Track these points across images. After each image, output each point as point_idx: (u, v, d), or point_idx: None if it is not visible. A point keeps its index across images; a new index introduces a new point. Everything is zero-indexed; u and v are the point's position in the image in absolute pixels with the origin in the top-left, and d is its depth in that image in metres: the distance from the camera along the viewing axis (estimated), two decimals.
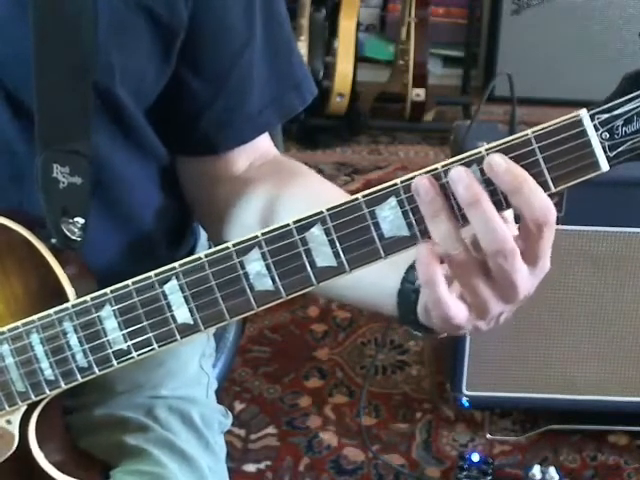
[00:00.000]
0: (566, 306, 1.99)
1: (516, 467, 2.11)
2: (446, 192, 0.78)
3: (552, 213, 0.77)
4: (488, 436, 2.18)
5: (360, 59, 3.70)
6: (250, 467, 2.10)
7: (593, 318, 2.00)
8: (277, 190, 1.05)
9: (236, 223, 1.08)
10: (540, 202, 0.77)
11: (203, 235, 1.25)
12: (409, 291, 0.88)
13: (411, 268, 0.89)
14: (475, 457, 2.02)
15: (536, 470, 1.99)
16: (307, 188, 1.05)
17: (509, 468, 2.11)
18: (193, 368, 1.21)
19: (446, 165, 0.78)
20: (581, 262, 1.94)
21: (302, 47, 3.36)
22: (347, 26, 3.49)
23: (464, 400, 2.06)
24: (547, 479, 1.99)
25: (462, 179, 0.77)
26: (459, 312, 0.82)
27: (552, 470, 2.00)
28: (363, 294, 0.95)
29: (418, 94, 3.54)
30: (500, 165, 0.76)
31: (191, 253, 1.22)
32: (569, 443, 2.18)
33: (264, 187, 1.06)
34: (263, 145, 1.13)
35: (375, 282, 0.90)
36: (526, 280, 0.80)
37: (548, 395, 2.06)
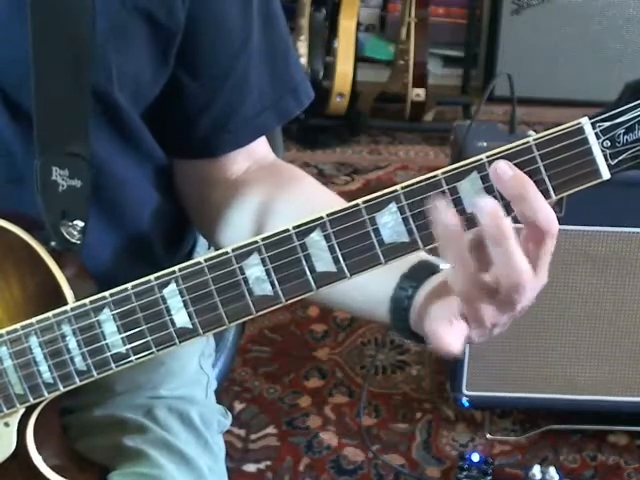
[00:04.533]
0: (566, 306, 1.98)
1: (516, 467, 2.11)
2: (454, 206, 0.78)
3: (555, 223, 0.77)
4: (488, 436, 2.18)
5: (360, 59, 3.69)
6: (250, 467, 2.10)
7: (593, 318, 2.00)
8: (271, 194, 1.05)
9: (229, 225, 1.07)
10: (544, 211, 0.77)
11: None
12: (402, 298, 0.88)
13: (405, 277, 0.89)
14: (475, 457, 2.02)
15: (536, 470, 1.99)
16: (302, 193, 1.05)
17: (509, 468, 2.11)
18: (193, 368, 1.21)
19: (446, 172, 0.78)
20: (581, 262, 1.94)
21: (302, 47, 3.36)
22: (347, 26, 3.49)
23: (464, 400, 2.06)
24: (547, 479, 1.99)
25: (491, 211, 0.76)
26: (456, 345, 0.83)
27: (552, 470, 2.00)
28: (354, 299, 0.95)
29: (418, 94, 3.54)
30: (506, 172, 0.77)
31: (190, 254, 1.22)
32: (569, 443, 2.17)
33: (258, 191, 1.06)
34: (260, 150, 1.12)
35: (367, 287, 0.89)
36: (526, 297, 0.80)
37: (548, 395, 2.06)
